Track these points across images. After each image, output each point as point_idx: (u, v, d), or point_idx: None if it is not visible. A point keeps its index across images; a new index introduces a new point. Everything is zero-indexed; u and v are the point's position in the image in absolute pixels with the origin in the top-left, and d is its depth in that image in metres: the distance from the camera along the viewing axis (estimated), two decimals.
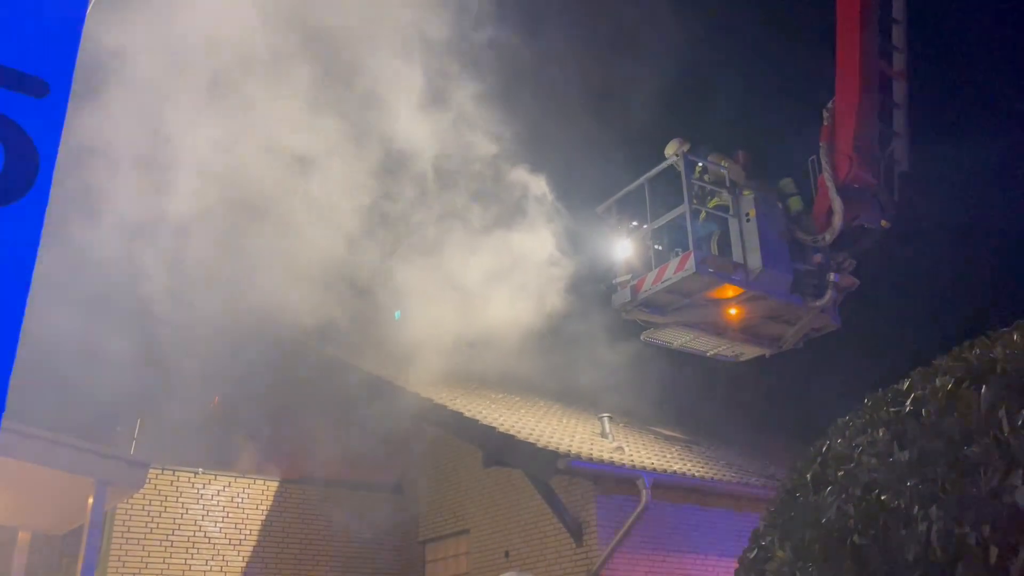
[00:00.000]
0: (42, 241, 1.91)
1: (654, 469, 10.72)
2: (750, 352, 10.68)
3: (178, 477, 12.45)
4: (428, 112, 13.29)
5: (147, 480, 10.79)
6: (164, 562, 11.91)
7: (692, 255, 9.10)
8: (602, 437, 11.85)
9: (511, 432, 11.10)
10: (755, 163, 10.21)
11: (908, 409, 2.71)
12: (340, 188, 16.12)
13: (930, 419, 2.56)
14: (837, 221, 9.46)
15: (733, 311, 9.70)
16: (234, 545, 12.57)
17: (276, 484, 13.28)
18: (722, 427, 17.46)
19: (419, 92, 12.50)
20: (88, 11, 1.95)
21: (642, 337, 10.70)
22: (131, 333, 14.27)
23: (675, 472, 10.99)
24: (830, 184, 9.52)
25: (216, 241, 16.19)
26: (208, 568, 12.24)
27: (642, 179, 10.04)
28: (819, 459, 2.98)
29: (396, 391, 13.20)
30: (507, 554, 11.74)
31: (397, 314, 10.80)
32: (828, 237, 9.56)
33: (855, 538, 2.44)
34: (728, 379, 19.58)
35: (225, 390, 14.85)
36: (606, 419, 12.17)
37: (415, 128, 13.22)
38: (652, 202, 9.90)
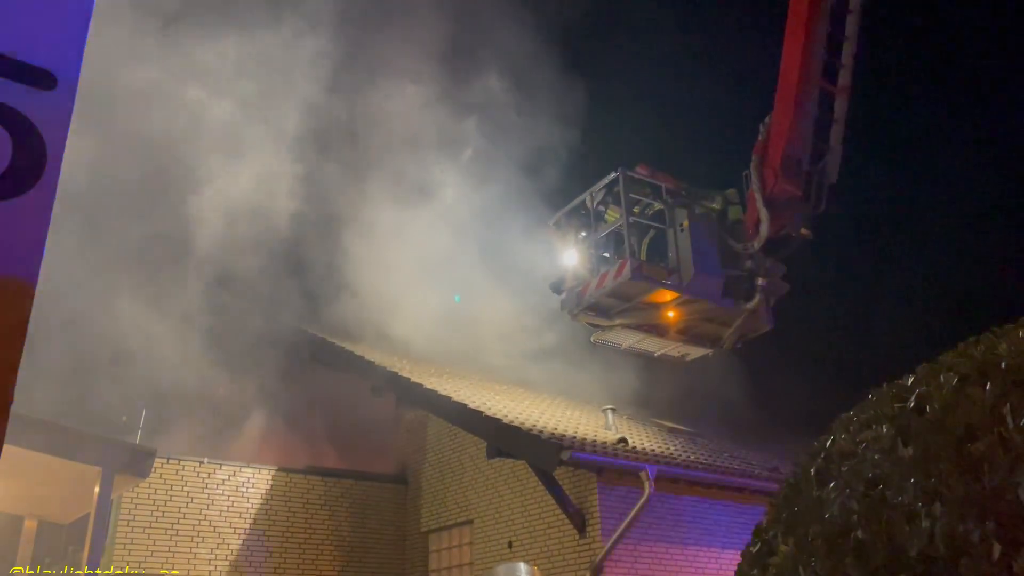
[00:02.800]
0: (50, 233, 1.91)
1: (657, 461, 10.74)
2: (694, 352, 11.24)
3: (183, 466, 12.50)
4: None
5: (152, 469, 10.85)
6: (169, 550, 11.98)
7: (628, 262, 9.77)
8: (606, 429, 11.88)
9: (515, 423, 11.13)
10: (691, 176, 10.87)
11: (912, 405, 2.71)
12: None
13: (934, 415, 2.56)
14: (764, 230, 10.09)
15: (671, 313, 10.30)
16: (239, 534, 12.63)
17: (281, 474, 13.34)
18: (726, 420, 17.48)
19: None
20: (96, 3, 1.95)
21: (592, 339, 11.30)
22: (136, 324, 14.34)
23: (678, 464, 11.01)
24: (758, 196, 10.16)
25: (219, 233, 16.29)
26: (213, 556, 12.31)
27: (586, 194, 10.62)
28: (823, 454, 2.98)
29: (401, 382, 13.24)
30: (510, 544, 11.78)
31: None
32: (756, 245, 10.19)
33: (858, 534, 2.44)
34: (732, 373, 19.64)
35: (230, 380, 14.91)
36: (610, 411, 12.20)
37: None
38: (596, 214, 10.51)
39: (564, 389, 16.14)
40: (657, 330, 10.66)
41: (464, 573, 12.75)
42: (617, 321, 10.56)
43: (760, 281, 10.20)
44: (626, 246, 9.95)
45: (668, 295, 10.16)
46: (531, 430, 10.81)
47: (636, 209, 10.47)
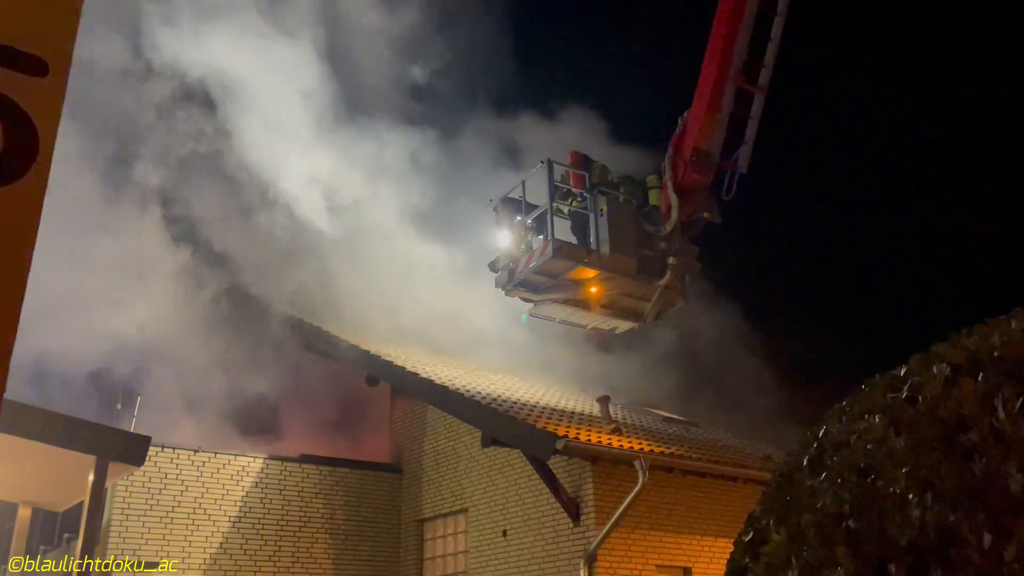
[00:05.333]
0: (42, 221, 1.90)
1: (651, 450, 10.78)
2: (623, 326, 12.09)
3: (178, 454, 12.50)
4: None
5: (147, 457, 10.83)
6: (164, 538, 11.99)
7: (551, 242, 10.68)
8: (601, 418, 11.92)
9: (510, 413, 11.16)
10: (594, 160, 11.65)
11: (905, 395, 2.71)
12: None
13: (926, 406, 2.56)
14: (674, 215, 11.11)
15: (593, 289, 11.23)
16: (233, 522, 12.65)
17: (275, 462, 13.35)
18: (720, 410, 17.54)
19: None
20: None
21: (528, 312, 12.10)
22: (133, 313, 14.32)
23: (672, 454, 11.05)
24: (669, 184, 11.16)
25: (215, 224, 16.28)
26: (208, 544, 12.33)
27: (519, 182, 11.64)
28: (816, 444, 2.99)
29: (396, 371, 13.24)
30: (505, 533, 11.83)
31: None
32: (668, 228, 11.19)
33: (850, 523, 2.45)
34: (727, 364, 19.68)
35: (225, 370, 14.90)
36: (605, 400, 12.25)
37: None
38: (529, 199, 11.45)
39: (559, 378, 16.17)
40: (583, 304, 11.50)
41: (459, 561, 12.80)
42: (545, 296, 11.39)
43: (671, 260, 11.10)
44: (549, 228, 10.80)
45: (589, 272, 11.03)
46: (526, 419, 10.84)
47: (569, 204, 11.42)
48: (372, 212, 17.82)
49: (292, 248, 17.33)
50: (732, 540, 3.26)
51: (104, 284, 13.98)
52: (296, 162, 17.37)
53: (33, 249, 1.83)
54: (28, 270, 1.81)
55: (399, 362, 13.45)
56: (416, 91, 20.47)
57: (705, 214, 11.27)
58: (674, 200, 11.07)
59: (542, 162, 11.32)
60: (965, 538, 2.17)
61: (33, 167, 1.82)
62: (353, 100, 17.98)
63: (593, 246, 10.87)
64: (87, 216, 13.92)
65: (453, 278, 17.05)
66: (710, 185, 11.20)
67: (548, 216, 10.87)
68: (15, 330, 1.77)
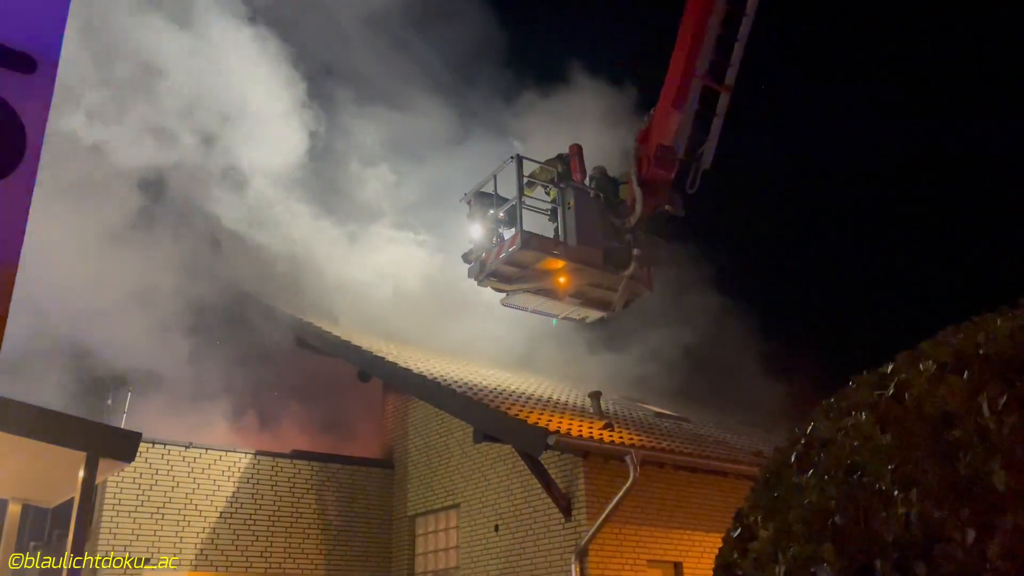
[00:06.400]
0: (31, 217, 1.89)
1: (643, 446, 10.81)
2: (592, 315, 12.43)
3: (169, 451, 12.48)
4: None
5: (138, 453, 10.80)
6: (155, 534, 11.97)
7: (520, 234, 11.03)
8: (592, 413, 11.95)
9: (502, 408, 11.17)
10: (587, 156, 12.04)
11: (891, 392, 2.74)
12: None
13: (912, 403, 2.59)
14: (638, 208, 11.48)
15: (562, 279, 11.53)
16: (225, 518, 12.63)
17: (267, 458, 13.33)
18: (711, 405, 17.60)
19: None
20: None
21: (500, 302, 12.37)
22: (125, 307, 14.27)
23: (663, 449, 11.09)
24: (633, 178, 11.52)
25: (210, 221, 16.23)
26: (198, 540, 12.31)
27: (489, 175, 11.93)
28: (803, 441, 3.02)
29: (388, 367, 13.24)
30: (496, 528, 11.85)
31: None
32: (632, 220, 11.54)
33: (836, 519, 2.47)
34: (718, 360, 19.72)
35: (217, 365, 14.88)
36: (597, 395, 12.28)
37: None
38: (500, 192, 11.77)
39: (551, 373, 16.20)
40: (553, 294, 11.79)
41: (450, 556, 12.82)
42: (516, 286, 11.69)
43: (635, 251, 11.42)
44: (519, 220, 11.16)
45: (557, 263, 11.31)
46: (517, 415, 10.86)
47: (552, 195, 11.81)
48: (369, 210, 17.81)
49: (287, 244, 17.31)
50: (723, 535, 3.28)
51: (96, 279, 13.94)
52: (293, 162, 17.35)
53: (22, 246, 1.83)
54: (16, 266, 1.81)
55: (391, 358, 13.45)
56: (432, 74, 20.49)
57: (667, 207, 11.62)
58: (638, 193, 11.40)
59: (512, 157, 11.59)
60: (950, 534, 2.19)
61: (21, 164, 1.82)
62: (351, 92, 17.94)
63: (561, 238, 11.20)
64: (71, 204, 13.87)
65: (444, 272, 17.08)
66: (673, 180, 11.53)
67: (518, 209, 11.18)
68: (3, 327, 1.76)
